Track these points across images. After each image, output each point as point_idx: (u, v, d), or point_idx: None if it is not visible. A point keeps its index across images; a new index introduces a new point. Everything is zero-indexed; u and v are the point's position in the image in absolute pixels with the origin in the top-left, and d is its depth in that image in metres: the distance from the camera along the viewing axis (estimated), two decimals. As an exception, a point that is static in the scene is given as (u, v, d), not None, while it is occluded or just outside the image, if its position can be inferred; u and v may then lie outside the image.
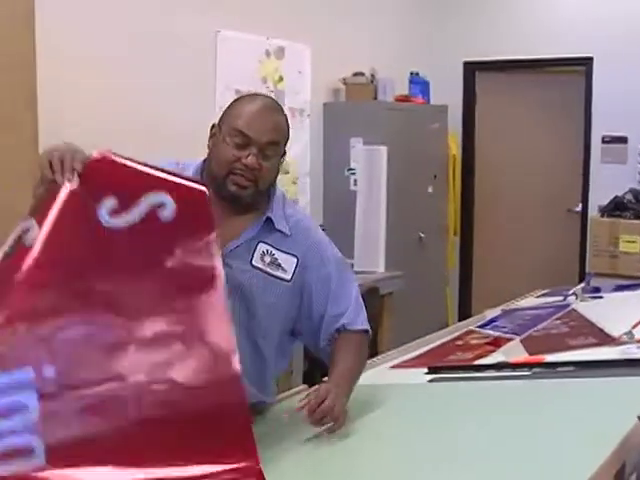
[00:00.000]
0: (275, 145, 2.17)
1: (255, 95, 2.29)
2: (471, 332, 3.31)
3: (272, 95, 5.32)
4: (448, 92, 6.84)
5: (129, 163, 1.91)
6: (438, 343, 3.17)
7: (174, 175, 1.96)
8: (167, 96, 4.53)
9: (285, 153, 2.26)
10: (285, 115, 2.26)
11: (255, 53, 5.25)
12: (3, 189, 3.12)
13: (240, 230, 2.20)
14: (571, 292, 3.85)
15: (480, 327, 3.38)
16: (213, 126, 2.24)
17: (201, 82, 4.82)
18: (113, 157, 1.90)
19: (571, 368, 2.58)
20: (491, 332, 3.24)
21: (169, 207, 1.88)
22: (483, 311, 3.76)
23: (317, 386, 2.12)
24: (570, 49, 6.60)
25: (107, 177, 1.90)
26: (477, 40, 6.97)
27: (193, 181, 1.98)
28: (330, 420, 2.03)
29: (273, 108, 2.22)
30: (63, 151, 1.89)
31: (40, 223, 1.82)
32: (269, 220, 2.22)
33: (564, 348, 2.82)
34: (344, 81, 5.96)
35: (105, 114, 4.19)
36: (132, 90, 4.33)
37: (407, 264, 5.68)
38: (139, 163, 1.93)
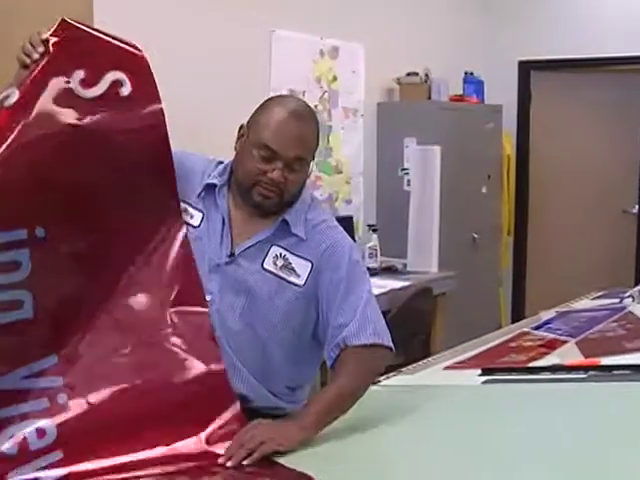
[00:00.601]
0: (302, 159, 2.14)
1: (285, 101, 2.22)
2: (525, 334, 3.28)
3: (326, 95, 5.35)
4: (503, 92, 6.78)
5: (90, 32, 2.09)
6: (492, 344, 3.16)
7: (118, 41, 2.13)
8: (221, 95, 4.56)
9: (314, 158, 2.22)
10: (315, 120, 2.21)
11: (309, 53, 5.26)
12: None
13: (256, 231, 2.18)
14: (627, 294, 3.80)
15: (534, 329, 3.35)
16: (241, 127, 2.23)
17: (255, 81, 4.84)
18: (75, 26, 2.06)
19: (627, 371, 2.55)
20: (545, 334, 3.22)
21: (127, 84, 2.06)
22: (537, 312, 3.73)
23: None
24: (628, 47, 6.48)
25: (75, 48, 2.04)
26: (532, 39, 6.89)
27: (132, 47, 2.16)
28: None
29: (302, 117, 2.16)
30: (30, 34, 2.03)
31: (20, 89, 1.96)
32: (285, 223, 2.18)
33: (620, 351, 2.79)
34: (398, 81, 5.94)
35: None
36: (186, 88, 4.36)
37: (460, 264, 5.65)
38: (96, 30, 2.11)
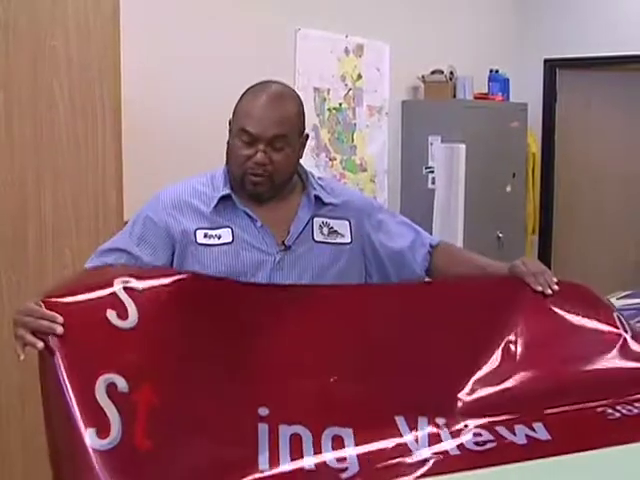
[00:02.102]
0: (282, 137, 2.17)
1: (262, 86, 2.27)
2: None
3: (351, 93, 5.34)
4: (528, 90, 6.75)
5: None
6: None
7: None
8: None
9: (307, 137, 2.30)
10: (295, 99, 2.26)
11: (334, 51, 5.25)
12: (87, 184, 3.20)
13: (290, 216, 2.26)
14: (654, 294, 3.76)
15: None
16: (230, 122, 2.27)
17: (280, 80, 4.82)
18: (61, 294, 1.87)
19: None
20: (571, 333, 3.18)
21: (133, 281, 1.93)
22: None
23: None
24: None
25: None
26: (558, 37, 6.84)
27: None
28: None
29: (278, 98, 2.21)
30: (21, 323, 1.80)
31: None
32: (317, 198, 2.29)
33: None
34: (423, 79, 5.92)
35: (186, 111, 4.25)
36: (212, 87, 4.36)
37: (485, 263, 5.60)
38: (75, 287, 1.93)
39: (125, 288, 1.89)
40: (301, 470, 1.77)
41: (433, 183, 5.69)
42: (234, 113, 2.23)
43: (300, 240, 2.24)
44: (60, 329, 1.76)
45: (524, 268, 2.28)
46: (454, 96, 5.94)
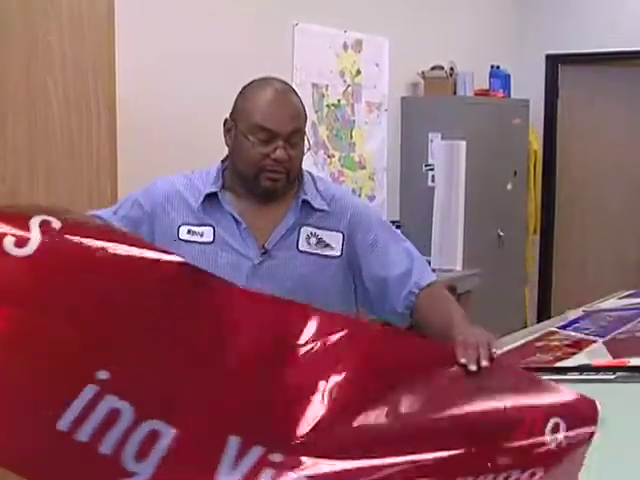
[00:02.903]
0: (298, 131, 2.15)
1: (264, 82, 2.22)
2: (552, 333, 3.22)
3: (349, 89, 5.30)
4: (530, 86, 6.71)
5: None
6: (517, 344, 3.10)
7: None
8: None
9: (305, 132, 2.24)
10: (297, 93, 2.23)
11: (333, 46, 5.21)
12: (81, 182, 3.18)
13: (278, 220, 2.19)
14: (656, 294, 3.75)
15: (561, 328, 3.29)
16: (226, 121, 2.21)
17: (278, 75, 4.78)
18: None
19: (657, 373, 2.50)
20: (573, 333, 3.16)
21: (56, 223, 1.75)
22: (563, 312, 3.67)
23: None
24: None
25: None
26: (560, 32, 6.80)
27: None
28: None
29: (286, 92, 2.19)
30: None
31: None
32: (306, 202, 2.20)
33: (650, 352, 2.73)
34: (422, 75, 5.88)
35: (181, 107, 4.21)
36: (208, 84, 4.33)
37: (485, 262, 5.59)
38: None
39: (43, 223, 1.72)
40: (95, 451, 1.61)
41: (433, 181, 5.66)
42: (239, 112, 2.17)
43: (281, 246, 2.18)
44: None
45: (461, 338, 1.87)
46: (454, 92, 5.90)
